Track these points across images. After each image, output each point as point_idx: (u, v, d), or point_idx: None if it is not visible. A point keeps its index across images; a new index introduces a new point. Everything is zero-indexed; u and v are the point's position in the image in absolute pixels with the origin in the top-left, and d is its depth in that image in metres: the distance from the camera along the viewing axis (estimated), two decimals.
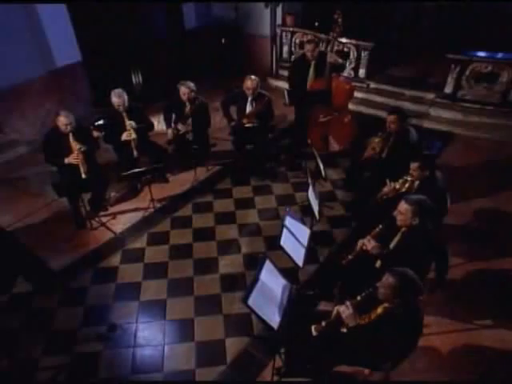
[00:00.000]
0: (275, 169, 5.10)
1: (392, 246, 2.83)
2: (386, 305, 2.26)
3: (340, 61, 4.94)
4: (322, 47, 6.56)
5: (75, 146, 3.90)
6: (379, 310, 2.27)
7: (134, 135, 4.31)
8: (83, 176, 3.90)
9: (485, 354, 2.95)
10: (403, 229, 2.76)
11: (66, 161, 3.93)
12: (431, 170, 3.19)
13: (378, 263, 2.81)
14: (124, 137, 4.30)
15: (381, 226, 2.79)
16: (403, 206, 2.67)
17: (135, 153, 4.38)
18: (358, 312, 2.31)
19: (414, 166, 3.16)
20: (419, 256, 2.63)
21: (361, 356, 2.38)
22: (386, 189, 3.42)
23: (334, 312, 2.34)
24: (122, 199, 4.61)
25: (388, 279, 2.18)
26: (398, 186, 3.32)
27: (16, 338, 3.18)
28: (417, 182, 3.23)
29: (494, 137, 5.49)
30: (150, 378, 2.90)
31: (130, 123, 4.28)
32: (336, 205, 4.47)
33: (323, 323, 2.34)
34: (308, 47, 4.87)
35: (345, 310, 2.29)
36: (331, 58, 4.69)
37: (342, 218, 4.27)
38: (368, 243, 2.76)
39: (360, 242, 2.81)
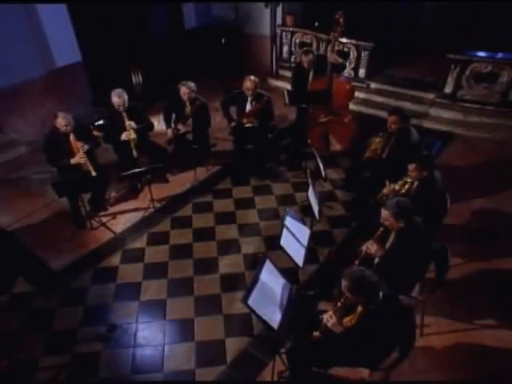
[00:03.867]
0: (275, 169, 5.10)
1: (387, 247, 2.83)
2: (360, 306, 2.28)
3: (340, 60, 4.93)
4: (322, 47, 6.58)
5: (78, 145, 3.90)
6: (358, 310, 2.29)
7: (133, 135, 4.31)
8: (93, 174, 3.90)
9: (485, 353, 2.94)
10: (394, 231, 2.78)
11: (73, 161, 3.93)
12: (430, 170, 3.17)
13: (376, 261, 2.82)
14: (124, 137, 4.30)
15: (382, 229, 2.79)
16: (383, 212, 2.68)
17: (135, 153, 4.38)
18: (342, 317, 2.31)
19: (411, 166, 3.15)
20: (414, 255, 2.64)
21: (358, 356, 2.38)
22: (385, 190, 3.42)
23: (323, 321, 2.34)
24: (121, 199, 4.61)
25: (344, 284, 2.20)
26: (397, 188, 3.32)
27: (16, 338, 3.18)
28: (416, 183, 3.23)
29: (494, 137, 5.48)
30: (150, 377, 2.89)
31: (129, 123, 4.28)
32: (336, 205, 4.47)
33: (317, 333, 2.35)
34: (304, 59, 4.86)
35: (328, 320, 2.30)
36: (331, 57, 4.69)
37: (342, 218, 4.27)
38: (371, 247, 2.77)
39: (364, 247, 2.82)
